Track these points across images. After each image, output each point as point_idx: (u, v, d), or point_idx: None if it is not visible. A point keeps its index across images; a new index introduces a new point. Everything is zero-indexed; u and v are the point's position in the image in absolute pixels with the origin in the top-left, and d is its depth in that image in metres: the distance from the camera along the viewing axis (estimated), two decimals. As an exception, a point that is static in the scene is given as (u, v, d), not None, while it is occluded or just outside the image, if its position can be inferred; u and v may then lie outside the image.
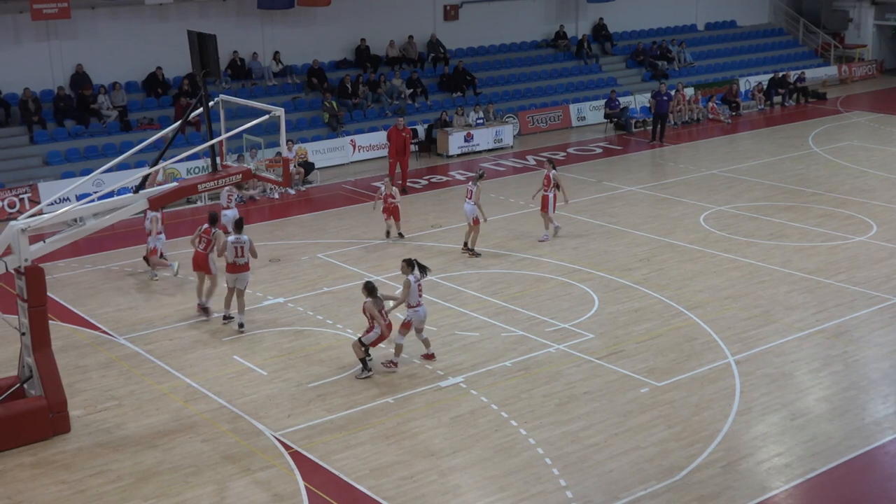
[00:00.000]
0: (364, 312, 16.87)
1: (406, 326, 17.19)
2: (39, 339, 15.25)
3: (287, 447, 14.75)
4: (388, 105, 35.05)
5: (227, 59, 32.95)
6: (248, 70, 34.08)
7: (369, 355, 16.96)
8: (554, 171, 23.98)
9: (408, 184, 29.49)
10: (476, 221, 22.78)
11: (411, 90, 36.05)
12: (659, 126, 35.36)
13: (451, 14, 39.18)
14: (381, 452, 14.56)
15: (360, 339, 16.85)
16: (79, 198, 21.80)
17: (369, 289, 16.78)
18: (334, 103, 33.59)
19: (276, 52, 34.79)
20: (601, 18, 42.62)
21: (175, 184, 17.76)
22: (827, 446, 14.58)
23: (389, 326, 16.92)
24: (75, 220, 16.17)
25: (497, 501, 13.30)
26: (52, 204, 19.96)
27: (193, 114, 17.97)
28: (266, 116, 16.96)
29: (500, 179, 30.57)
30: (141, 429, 15.44)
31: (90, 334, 19.13)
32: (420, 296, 17.18)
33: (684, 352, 17.80)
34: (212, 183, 16.89)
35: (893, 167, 30.79)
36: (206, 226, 19.76)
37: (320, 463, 14.30)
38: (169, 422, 15.64)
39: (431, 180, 30.76)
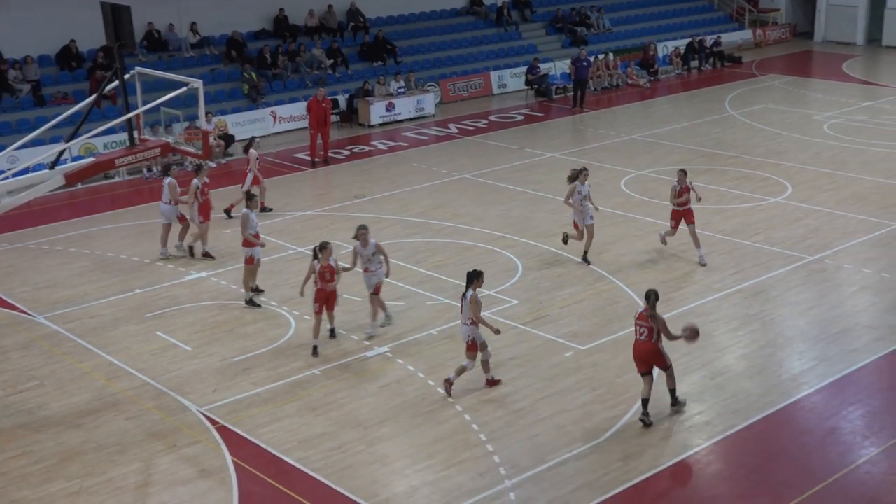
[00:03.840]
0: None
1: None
2: (-45, 321, 14.96)
3: (213, 422, 14.68)
4: (308, 75, 34.75)
5: (142, 31, 32.34)
6: (165, 42, 33.51)
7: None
8: (689, 181, 20.43)
9: (329, 154, 29.36)
10: (575, 225, 20.41)
11: (331, 60, 35.77)
12: (579, 92, 35.60)
13: (369, -18, 38.90)
14: (308, 424, 14.56)
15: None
16: (-8, 175, 21.32)
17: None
18: (253, 74, 33.22)
19: (193, 24, 34.21)
20: (520, -15, 42.68)
21: (92, 159, 17.46)
22: (746, 403, 14.93)
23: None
24: (-11, 198, 15.84)
25: (425, 469, 13.41)
26: (-36, 182, 19.49)
27: (109, 87, 17.69)
28: (184, 88, 16.74)
29: (422, 148, 30.61)
30: (63, 408, 15.24)
31: (8, 314, 18.76)
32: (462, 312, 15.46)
33: (607, 315, 18.05)
34: (130, 157, 16.66)
35: (807, 129, 31.44)
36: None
37: (247, 437, 14.26)
38: (92, 401, 15.46)
39: (353, 150, 30.64)
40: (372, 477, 13.25)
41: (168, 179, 21.30)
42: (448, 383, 15.25)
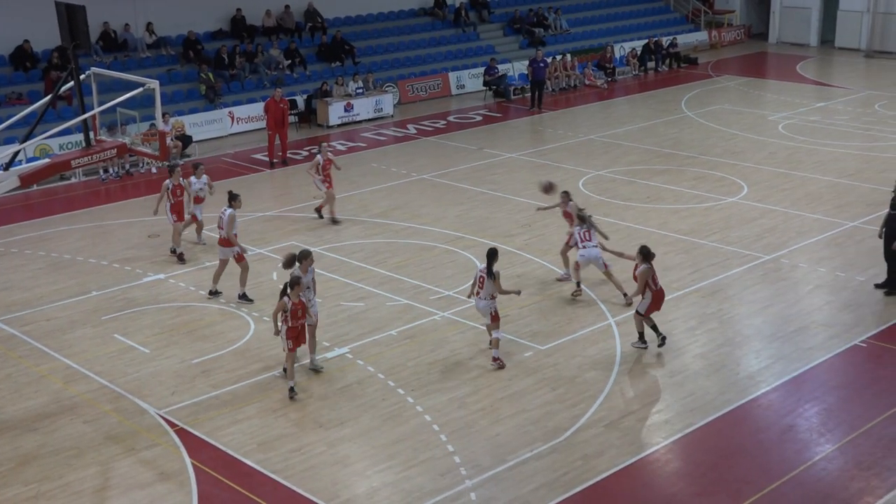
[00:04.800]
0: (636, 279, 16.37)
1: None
2: None
3: (172, 425, 14.58)
4: (265, 76, 34.61)
5: (98, 31, 32.05)
6: (123, 42, 33.22)
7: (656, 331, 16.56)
8: (572, 203, 19.45)
9: (288, 155, 29.25)
10: (606, 267, 18.68)
11: (289, 60, 35.64)
12: (537, 93, 35.74)
13: (327, -18, 38.81)
14: (268, 426, 14.51)
15: (637, 311, 16.55)
16: (-55, 177, 21.02)
17: (644, 254, 16.11)
18: (211, 75, 33.02)
19: (150, 24, 33.96)
20: (478, -14, 42.76)
21: (47, 160, 17.28)
22: (704, 401, 15.07)
23: (660, 293, 16.43)
24: (-58, 201, 15.64)
25: (386, 469, 13.40)
26: (-84, 184, 19.20)
27: (64, 88, 17.52)
28: (140, 89, 16.62)
29: (381, 149, 30.59)
30: (19, 412, 15.06)
31: (-38, 317, 18.55)
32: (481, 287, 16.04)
33: (566, 315, 18.14)
34: (86, 158, 16.52)
35: (762, 129, 31.77)
36: None
37: (207, 439, 14.17)
38: (49, 404, 15.29)
39: (312, 151, 30.50)
40: (332, 478, 13.23)
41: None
42: (497, 361, 16.12)
